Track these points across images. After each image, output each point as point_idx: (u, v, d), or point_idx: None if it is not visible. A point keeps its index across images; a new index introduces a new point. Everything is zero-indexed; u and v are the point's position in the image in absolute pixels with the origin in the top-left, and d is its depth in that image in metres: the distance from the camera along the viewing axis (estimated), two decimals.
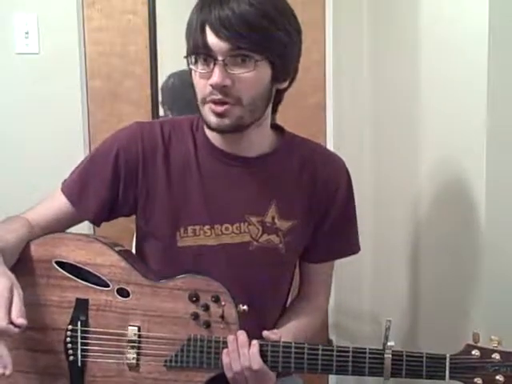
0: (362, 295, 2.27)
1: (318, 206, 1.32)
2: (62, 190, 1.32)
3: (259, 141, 1.29)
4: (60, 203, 1.32)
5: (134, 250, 1.40)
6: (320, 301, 1.40)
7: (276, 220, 1.29)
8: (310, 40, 2.22)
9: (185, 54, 1.21)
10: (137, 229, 1.37)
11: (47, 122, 2.18)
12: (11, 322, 1.04)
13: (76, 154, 1.96)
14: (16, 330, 1.04)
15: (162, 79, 2.25)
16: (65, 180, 1.35)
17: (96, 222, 1.34)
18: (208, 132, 1.29)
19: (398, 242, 1.91)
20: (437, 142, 1.61)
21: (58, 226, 1.31)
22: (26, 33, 2.15)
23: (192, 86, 1.23)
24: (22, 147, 2.17)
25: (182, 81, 2.20)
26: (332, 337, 2.38)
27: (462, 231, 1.46)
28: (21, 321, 1.04)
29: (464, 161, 1.45)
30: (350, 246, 1.39)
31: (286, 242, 1.30)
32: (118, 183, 1.28)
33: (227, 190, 1.28)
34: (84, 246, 1.24)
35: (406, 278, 1.85)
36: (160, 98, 2.26)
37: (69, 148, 2.16)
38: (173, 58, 2.18)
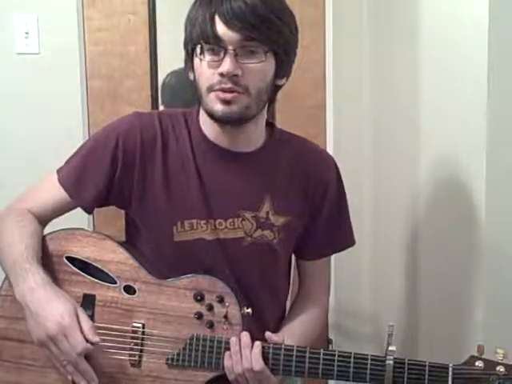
0: (362, 294, 2.27)
1: (310, 201, 1.33)
2: (59, 181, 1.31)
3: (255, 137, 1.30)
4: (57, 194, 1.31)
5: None
6: (320, 297, 1.40)
7: (270, 215, 1.29)
8: (310, 39, 2.22)
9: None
10: (127, 224, 1.36)
11: (47, 122, 2.18)
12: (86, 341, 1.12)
13: None
14: (92, 347, 1.12)
15: (162, 79, 2.25)
16: (61, 168, 1.34)
17: (90, 211, 1.34)
18: (203, 127, 1.29)
19: (397, 242, 1.91)
20: (437, 141, 1.61)
21: (53, 215, 1.33)
22: (26, 33, 2.14)
23: (190, 83, 1.23)
24: (22, 147, 2.17)
25: (180, 80, 2.20)
26: (332, 336, 2.38)
27: (462, 230, 1.46)
28: (96, 339, 1.13)
29: (464, 160, 1.45)
30: (345, 240, 1.40)
31: (280, 238, 1.30)
32: (115, 172, 1.28)
33: (222, 184, 1.28)
34: (95, 242, 1.26)
35: (405, 276, 1.86)
36: (160, 95, 2.26)
37: (69, 148, 2.14)
38: (173, 58, 2.18)
